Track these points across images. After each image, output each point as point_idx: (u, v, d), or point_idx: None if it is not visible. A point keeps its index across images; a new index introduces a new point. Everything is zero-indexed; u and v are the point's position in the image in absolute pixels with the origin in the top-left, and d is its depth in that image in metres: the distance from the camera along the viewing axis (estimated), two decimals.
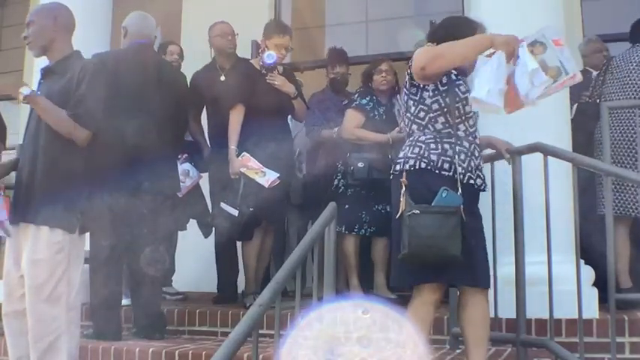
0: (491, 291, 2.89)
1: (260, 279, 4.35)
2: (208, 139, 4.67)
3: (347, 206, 4.36)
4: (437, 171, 2.69)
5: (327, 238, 2.86)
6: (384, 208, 4.37)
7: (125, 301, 3.96)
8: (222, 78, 4.56)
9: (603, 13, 5.59)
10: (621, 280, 3.85)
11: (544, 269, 3.00)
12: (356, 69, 5.06)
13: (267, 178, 4.08)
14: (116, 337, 3.68)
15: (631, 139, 3.88)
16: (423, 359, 2.64)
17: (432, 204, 2.61)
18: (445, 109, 2.74)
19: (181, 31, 6.42)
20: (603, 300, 3.19)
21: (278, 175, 4.10)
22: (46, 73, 3.15)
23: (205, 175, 4.72)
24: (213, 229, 4.59)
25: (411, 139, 2.81)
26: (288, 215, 5.03)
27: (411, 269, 2.71)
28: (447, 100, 2.73)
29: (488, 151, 3.13)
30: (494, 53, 2.62)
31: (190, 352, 3.39)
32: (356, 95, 4.62)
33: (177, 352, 3.41)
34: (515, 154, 3.11)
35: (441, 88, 2.74)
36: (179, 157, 4.39)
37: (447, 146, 2.72)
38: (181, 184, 4.26)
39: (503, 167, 3.19)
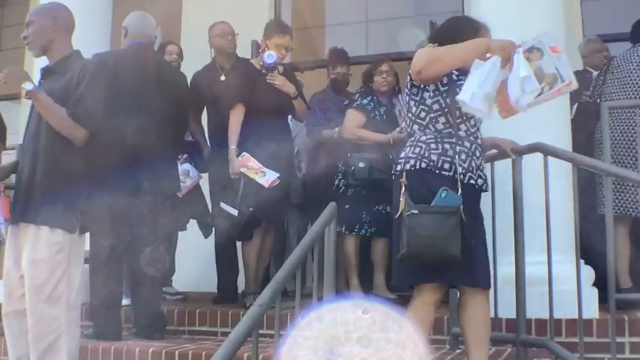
0: (491, 291, 2.89)
1: (260, 279, 4.35)
2: (208, 139, 4.67)
3: (347, 206, 4.36)
4: (437, 171, 2.69)
5: (327, 238, 2.86)
6: (384, 208, 4.37)
7: (125, 301, 3.96)
8: (223, 78, 4.56)
9: (603, 13, 5.59)
10: (621, 280, 3.85)
11: (544, 269, 3.00)
12: (356, 69, 5.06)
13: (267, 178, 4.08)
14: (116, 337, 3.68)
15: (631, 139, 3.88)
16: (422, 359, 2.65)
17: (432, 204, 2.61)
18: (446, 110, 2.74)
19: (181, 31, 6.42)
20: (603, 300, 3.19)
21: (278, 175, 4.10)
22: (46, 73, 3.15)
23: (205, 175, 4.72)
24: (213, 229, 4.59)
25: (412, 139, 2.81)
26: (288, 215, 5.03)
27: (412, 269, 2.71)
28: (448, 100, 2.73)
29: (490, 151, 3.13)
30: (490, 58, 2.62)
31: (190, 352, 3.39)
32: (357, 95, 4.62)
33: (177, 352, 3.41)
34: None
35: (442, 89, 2.74)
36: (179, 157, 4.39)
37: (447, 146, 2.72)
38: (181, 184, 4.26)
39: (503, 167, 3.19)
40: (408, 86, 2.83)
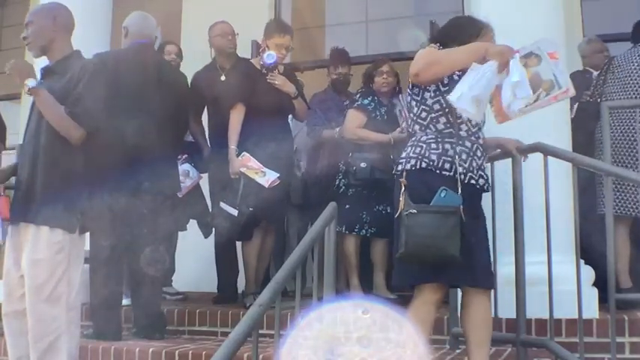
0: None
1: (260, 279, 4.35)
2: (209, 139, 4.67)
3: (348, 206, 4.36)
4: (437, 171, 2.69)
5: (327, 238, 2.86)
6: (384, 208, 4.38)
7: (125, 301, 3.96)
8: (223, 78, 4.56)
9: (603, 13, 5.59)
10: (621, 280, 3.85)
11: (544, 269, 3.00)
12: (356, 69, 5.06)
13: (267, 178, 4.08)
14: (116, 337, 3.68)
15: (631, 139, 3.88)
16: (422, 359, 2.64)
17: (431, 203, 2.61)
18: (446, 109, 2.74)
19: (181, 31, 6.42)
20: (603, 300, 3.19)
21: (278, 175, 4.10)
22: (46, 73, 3.15)
23: (205, 176, 4.72)
24: (213, 229, 4.59)
25: (413, 139, 2.81)
26: (289, 215, 5.03)
27: (412, 269, 2.71)
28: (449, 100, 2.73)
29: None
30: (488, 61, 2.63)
31: (190, 352, 3.39)
32: (358, 95, 4.63)
33: (177, 352, 3.41)
34: (512, 155, 3.11)
35: (443, 89, 2.74)
36: (179, 157, 4.39)
37: (447, 146, 2.72)
38: (181, 184, 4.26)
39: (503, 167, 3.20)
40: (410, 86, 2.84)
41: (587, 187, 3.83)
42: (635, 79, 4.02)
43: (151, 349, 3.45)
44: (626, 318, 3.29)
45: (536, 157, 3.07)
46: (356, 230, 4.41)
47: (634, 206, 3.90)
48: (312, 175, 4.82)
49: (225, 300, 4.50)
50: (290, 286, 3.90)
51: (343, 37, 6.34)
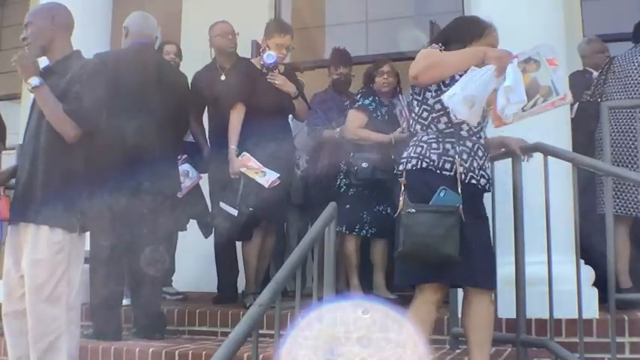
0: None
1: (260, 279, 4.35)
2: (209, 139, 4.67)
3: (348, 206, 4.37)
4: (438, 171, 2.69)
5: (327, 238, 2.86)
6: (385, 209, 4.38)
7: (125, 301, 3.96)
8: (223, 77, 4.56)
9: (603, 13, 5.59)
10: (621, 280, 3.85)
11: (544, 269, 3.00)
12: (356, 69, 5.06)
13: (268, 178, 4.08)
14: (116, 337, 3.68)
15: (631, 139, 3.88)
16: (422, 359, 2.64)
17: (430, 203, 2.61)
18: (447, 109, 2.74)
19: (181, 31, 6.42)
20: (603, 300, 3.19)
21: (278, 175, 4.10)
22: (46, 73, 3.14)
23: (205, 176, 4.71)
24: (213, 229, 4.59)
25: (414, 139, 2.81)
26: (289, 215, 5.02)
27: (413, 269, 2.71)
28: None
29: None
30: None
31: (190, 352, 3.39)
32: (359, 96, 4.63)
33: (177, 352, 3.41)
34: (515, 155, 3.11)
35: (444, 89, 2.74)
36: (179, 157, 4.39)
37: (448, 146, 2.72)
38: (180, 184, 4.25)
39: (503, 167, 3.19)
40: (411, 86, 2.84)
41: (587, 187, 3.83)
42: (636, 79, 4.02)
43: (151, 349, 3.45)
44: (626, 318, 3.29)
45: (536, 157, 3.07)
46: (356, 230, 4.41)
47: (634, 206, 3.90)
48: (313, 175, 4.82)
49: (225, 300, 4.50)
50: (290, 286, 3.91)
51: (343, 37, 6.34)
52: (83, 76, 3.00)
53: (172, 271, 4.97)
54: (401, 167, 2.78)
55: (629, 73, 4.06)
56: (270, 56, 4.23)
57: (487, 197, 3.01)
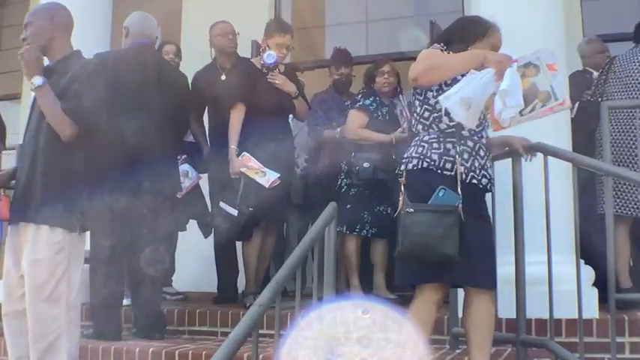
0: None
1: (260, 279, 4.35)
2: (209, 138, 4.66)
3: (349, 206, 4.37)
4: (439, 170, 2.69)
5: (327, 238, 2.87)
6: (385, 209, 4.38)
7: (126, 301, 3.96)
8: (223, 77, 4.56)
9: (603, 13, 5.59)
10: (621, 280, 3.85)
11: (544, 269, 2.99)
12: (356, 69, 5.06)
13: (268, 178, 4.08)
14: (116, 337, 3.68)
15: (631, 139, 3.88)
16: (422, 359, 2.64)
17: (429, 202, 2.61)
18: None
19: (181, 31, 6.42)
20: (603, 300, 3.19)
21: (278, 175, 4.10)
22: (46, 73, 3.14)
23: (205, 176, 4.71)
24: (213, 229, 4.59)
25: (416, 139, 2.82)
26: (289, 215, 5.02)
27: (413, 269, 2.71)
28: None
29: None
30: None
31: (190, 352, 3.39)
32: (359, 96, 4.63)
33: (177, 352, 3.41)
34: (515, 155, 3.11)
35: (445, 88, 2.73)
36: (178, 158, 4.38)
37: (449, 146, 2.72)
38: (181, 185, 4.25)
39: (503, 167, 3.19)
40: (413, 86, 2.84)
41: (587, 187, 3.83)
42: (637, 79, 4.02)
43: (151, 349, 3.45)
44: (626, 318, 3.29)
45: (537, 157, 3.07)
46: (357, 230, 4.41)
47: (634, 206, 3.90)
48: (313, 175, 4.83)
49: (225, 300, 4.50)
50: (290, 286, 3.91)
51: (343, 37, 6.34)
52: (83, 75, 3.00)
53: (172, 271, 4.97)
54: (402, 167, 2.79)
55: (630, 73, 4.06)
56: (270, 56, 4.23)
57: (487, 197, 3.01)
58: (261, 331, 2.63)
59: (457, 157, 2.69)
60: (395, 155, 4.28)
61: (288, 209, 4.83)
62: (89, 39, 3.98)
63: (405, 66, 3.00)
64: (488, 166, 2.83)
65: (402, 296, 4.18)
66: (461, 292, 3.02)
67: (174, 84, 4.04)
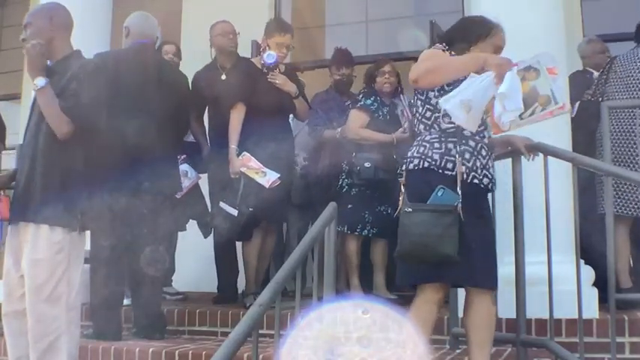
0: None
1: (260, 279, 4.35)
2: (209, 138, 4.66)
3: (350, 206, 4.37)
4: (440, 170, 2.69)
5: (327, 238, 2.86)
6: (386, 209, 4.38)
7: (126, 301, 3.96)
8: (223, 77, 4.55)
9: (603, 13, 5.59)
10: (621, 280, 3.85)
11: (544, 269, 2.99)
12: (356, 69, 5.06)
13: (268, 178, 4.08)
14: (116, 337, 3.68)
15: (631, 139, 3.88)
16: (423, 359, 2.64)
17: (428, 202, 2.61)
18: None
19: (181, 31, 6.42)
20: (603, 300, 3.19)
21: (279, 175, 4.10)
22: (47, 73, 3.14)
23: (205, 176, 4.71)
24: (213, 229, 4.59)
25: (418, 138, 2.82)
26: (289, 215, 5.02)
27: (414, 268, 2.71)
28: None
29: None
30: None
31: (190, 352, 3.39)
32: (360, 96, 4.63)
33: (177, 352, 3.41)
34: (515, 154, 3.11)
35: (447, 88, 2.73)
36: (178, 157, 4.38)
37: (450, 145, 2.72)
38: (181, 185, 4.25)
39: (503, 167, 3.19)
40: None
41: (587, 187, 3.83)
42: (638, 79, 4.02)
43: (151, 349, 3.45)
44: (626, 318, 3.29)
45: (537, 157, 3.06)
46: (358, 230, 4.41)
47: (634, 206, 3.90)
48: (314, 175, 4.83)
49: (225, 300, 4.50)
50: (290, 286, 3.91)
51: (343, 37, 6.34)
52: (81, 74, 3.00)
53: (172, 271, 4.97)
54: (404, 167, 2.79)
55: (630, 72, 4.06)
56: (270, 56, 4.23)
57: (487, 197, 3.01)
58: (261, 331, 2.63)
59: (458, 156, 2.69)
60: (396, 155, 4.28)
61: (289, 209, 4.82)
62: (89, 39, 3.98)
63: (405, 66, 3.00)
64: (490, 165, 2.82)
65: (401, 296, 4.18)
66: (461, 292, 3.02)
67: (174, 84, 4.04)
